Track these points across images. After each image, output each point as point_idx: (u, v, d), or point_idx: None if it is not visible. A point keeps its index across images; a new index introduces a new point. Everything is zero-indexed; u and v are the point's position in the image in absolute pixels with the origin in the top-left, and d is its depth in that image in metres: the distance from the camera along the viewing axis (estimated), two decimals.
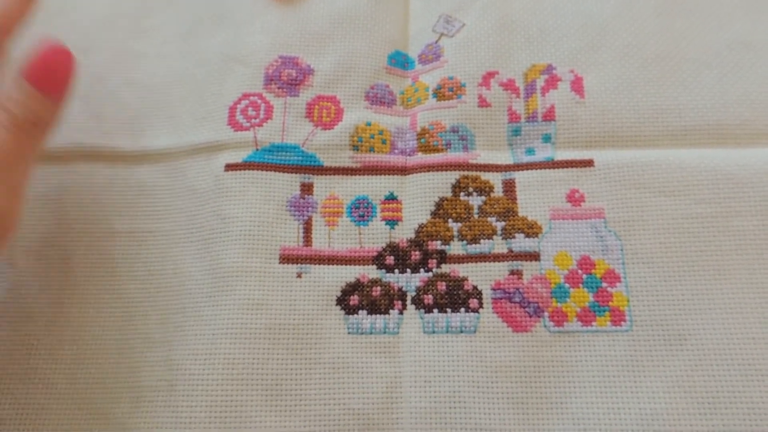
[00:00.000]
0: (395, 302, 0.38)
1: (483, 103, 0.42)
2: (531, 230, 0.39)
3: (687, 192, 0.39)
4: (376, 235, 0.40)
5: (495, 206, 0.40)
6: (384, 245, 0.40)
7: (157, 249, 0.40)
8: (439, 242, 0.39)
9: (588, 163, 0.40)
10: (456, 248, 0.39)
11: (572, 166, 0.40)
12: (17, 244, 0.40)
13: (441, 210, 0.40)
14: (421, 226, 0.40)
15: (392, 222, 0.40)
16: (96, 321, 0.38)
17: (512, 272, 0.38)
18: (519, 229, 0.39)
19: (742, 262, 0.37)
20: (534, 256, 0.39)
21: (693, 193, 0.39)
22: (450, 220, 0.40)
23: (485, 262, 0.39)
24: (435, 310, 0.38)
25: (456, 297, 0.38)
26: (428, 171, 0.41)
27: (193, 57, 0.45)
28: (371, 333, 0.37)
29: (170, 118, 0.43)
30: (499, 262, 0.39)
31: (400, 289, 0.38)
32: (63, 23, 0.47)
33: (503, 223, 0.40)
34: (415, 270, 0.39)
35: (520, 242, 0.39)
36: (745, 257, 0.37)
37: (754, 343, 0.36)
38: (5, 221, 0.31)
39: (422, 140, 0.42)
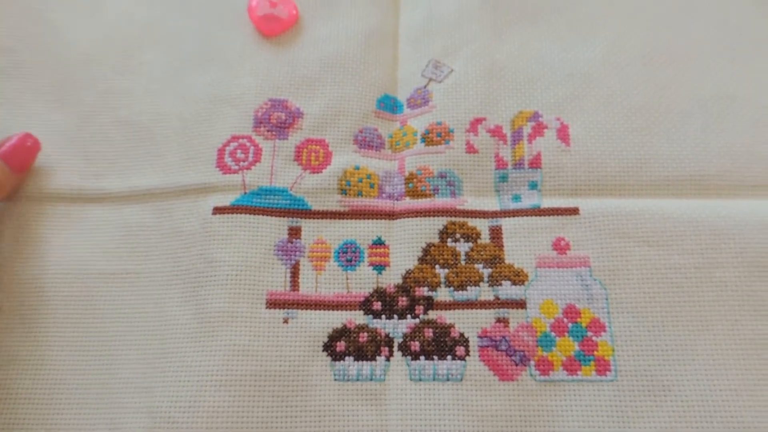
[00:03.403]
0: (382, 348, 0.38)
1: (471, 149, 0.43)
2: (517, 278, 0.40)
3: (670, 242, 0.39)
4: (363, 280, 0.40)
5: (482, 253, 0.40)
6: (371, 290, 0.40)
7: (141, 290, 0.40)
8: (426, 288, 0.39)
9: (574, 211, 0.41)
10: (443, 294, 0.39)
11: (558, 214, 0.41)
12: (4, 287, 0.39)
13: (428, 256, 0.40)
14: (408, 272, 0.40)
15: (380, 267, 0.40)
16: (77, 365, 0.38)
17: (499, 320, 0.39)
18: (505, 276, 0.40)
19: (724, 313, 0.38)
20: (520, 304, 0.39)
21: (676, 244, 0.39)
22: (437, 266, 0.40)
23: (472, 309, 0.39)
24: (422, 357, 0.38)
25: (443, 344, 0.38)
26: (416, 216, 0.41)
27: (182, 96, 0.45)
28: (358, 380, 0.37)
29: (157, 157, 0.43)
30: (485, 309, 0.39)
31: (387, 335, 0.38)
32: (51, 59, 0.46)
33: (490, 270, 0.40)
34: (402, 316, 0.39)
35: (507, 290, 0.39)
36: (726, 308, 0.38)
37: (736, 396, 0.36)
38: None
39: (410, 185, 0.42)
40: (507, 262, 0.40)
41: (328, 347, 0.38)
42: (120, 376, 0.38)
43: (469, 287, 0.39)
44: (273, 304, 0.39)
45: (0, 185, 0.39)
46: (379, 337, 0.38)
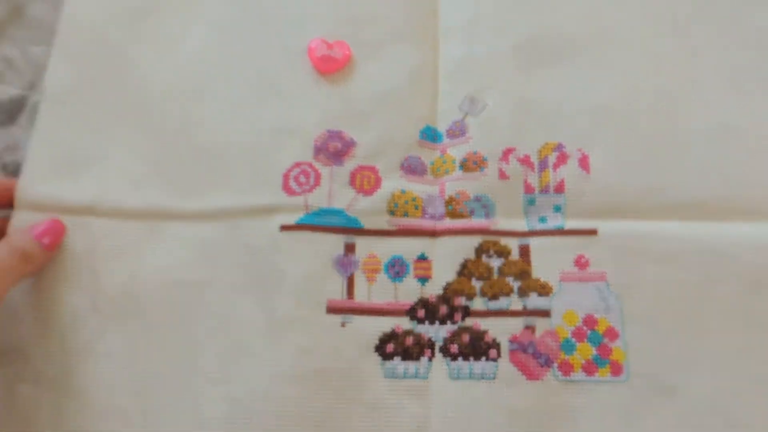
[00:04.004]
0: (425, 350, 0.44)
1: (502, 175, 0.49)
2: (543, 290, 0.45)
3: (676, 261, 0.45)
4: (409, 291, 0.46)
5: (512, 268, 0.46)
6: (416, 300, 0.46)
7: (218, 297, 0.46)
8: (463, 298, 0.45)
9: (593, 232, 0.47)
10: (478, 304, 0.45)
11: (579, 234, 0.47)
12: (101, 292, 0.46)
13: (465, 270, 0.46)
14: (448, 284, 0.46)
15: (423, 279, 0.46)
16: (165, 359, 0.44)
17: (527, 327, 0.44)
18: (533, 288, 0.45)
19: (725, 323, 0.43)
20: (545, 313, 0.45)
21: (681, 262, 0.45)
22: (473, 279, 0.46)
23: (503, 317, 0.45)
24: (460, 359, 0.44)
25: (478, 347, 0.44)
26: (455, 235, 0.47)
27: (250, 126, 0.50)
28: (404, 377, 0.43)
29: (229, 180, 0.49)
30: (515, 317, 0.45)
31: (429, 339, 0.44)
32: (132, 91, 0.52)
33: (519, 283, 0.46)
34: (442, 322, 0.45)
35: (534, 300, 0.45)
36: (726, 320, 0.44)
37: (737, 397, 0.42)
38: None
39: (450, 207, 0.48)
40: (534, 276, 0.46)
41: (379, 348, 0.44)
42: (202, 369, 0.44)
43: (501, 298, 0.45)
44: (332, 310, 0.45)
45: (34, 261, 0.45)
46: (422, 341, 0.44)
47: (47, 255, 0.46)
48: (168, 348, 0.45)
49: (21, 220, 0.47)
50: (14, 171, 0.52)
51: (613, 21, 0.53)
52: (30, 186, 0.49)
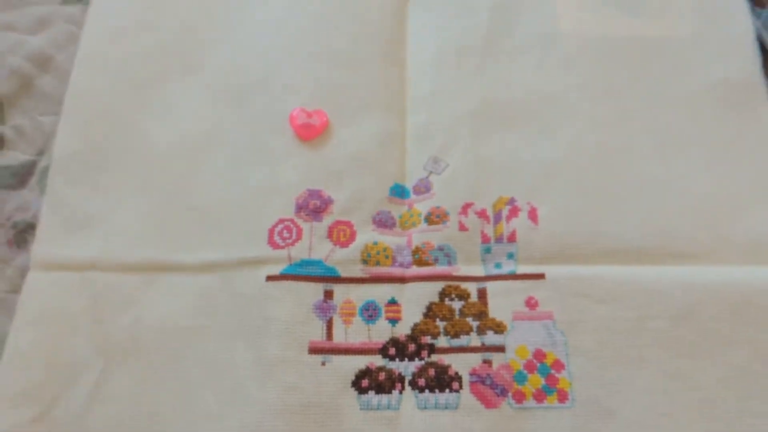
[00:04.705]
0: (396, 384, 0.50)
1: (462, 227, 0.56)
2: (498, 328, 0.52)
3: (615, 300, 0.52)
4: (381, 331, 0.52)
5: (471, 309, 0.53)
6: (387, 339, 0.52)
7: (212, 341, 0.51)
8: (429, 337, 0.52)
9: (541, 276, 0.53)
10: (442, 342, 0.52)
11: (529, 278, 0.53)
12: (106, 339, 0.51)
13: (431, 312, 0.53)
14: (416, 324, 0.52)
15: (394, 321, 0.52)
16: (165, 398, 0.50)
17: (484, 361, 0.51)
18: (489, 327, 0.52)
19: (657, 354, 0.50)
20: (501, 349, 0.51)
21: (619, 301, 0.52)
22: (438, 319, 0.52)
23: (464, 353, 0.51)
24: (426, 391, 0.50)
25: (442, 380, 0.50)
26: (421, 281, 0.54)
27: (239, 186, 0.57)
28: (378, 409, 0.49)
29: (221, 236, 0.55)
30: (474, 353, 0.51)
31: (399, 374, 0.50)
32: (135, 155, 0.59)
33: (478, 323, 0.52)
34: (411, 359, 0.51)
35: (491, 338, 0.51)
36: (659, 350, 0.50)
37: (667, 419, 0.48)
38: None
39: (416, 256, 0.55)
40: (490, 316, 0.52)
41: (356, 384, 0.50)
42: (200, 408, 0.49)
43: (462, 336, 0.52)
44: (314, 350, 0.51)
45: None
46: (394, 376, 0.50)
47: None
48: (169, 389, 0.50)
49: (34, 280, 0.53)
50: (24, 229, 0.58)
51: (557, 89, 0.61)
52: (42, 248, 0.55)
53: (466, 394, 0.49)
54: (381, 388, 0.50)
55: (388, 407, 0.49)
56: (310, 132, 0.59)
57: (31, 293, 0.53)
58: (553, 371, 0.50)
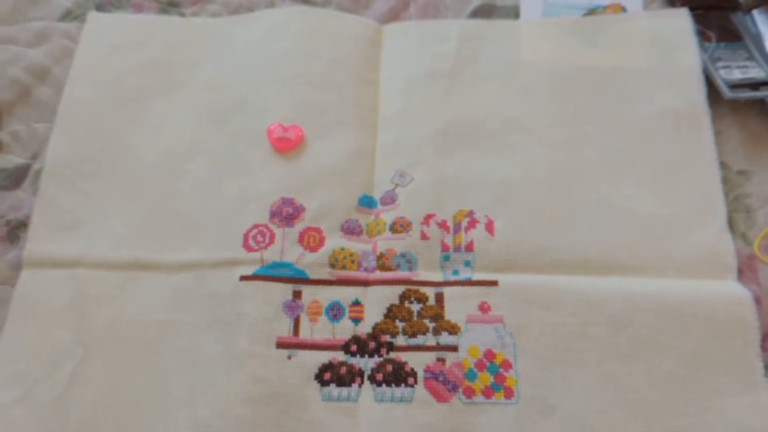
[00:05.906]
0: (356, 378, 0.54)
1: (424, 236, 0.60)
2: (453, 329, 0.56)
3: (559, 307, 0.56)
4: (344, 330, 0.56)
5: (429, 311, 0.57)
6: (350, 337, 0.56)
7: (187, 334, 0.55)
8: (388, 336, 0.56)
9: (494, 283, 0.58)
10: (400, 341, 0.56)
11: (483, 285, 0.58)
12: (86, 330, 0.55)
13: (391, 313, 0.57)
14: (376, 324, 0.56)
15: (356, 320, 0.57)
16: (141, 388, 0.54)
17: (438, 359, 0.55)
18: (444, 328, 0.56)
19: (595, 356, 0.54)
20: (454, 348, 0.55)
21: (563, 308, 0.56)
22: (397, 320, 0.57)
23: (420, 351, 0.55)
24: (384, 385, 0.54)
25: (399, 376, 0.54)
26: (383, 284, 0.58)
27: (218, 195, 0.62)
28: (338, 400, 0.53)
29: (200, 239, 0.60)
30: (429, 351, 0.55)
31: (359, 369, 0.55)
32: (124, 166, 0.63)
33: (434, 324, 0.56)
34: (371, 355, 0.55)
35: (445, 338, 0.56)
36: (597, 353, 0.54)
37: (602, 416, 0.52)
38: None
39: (380, 261, 0.59)
40: (446, 318, 0.57)
41: (318, 377, 0.54)
42: (171, 395, 0.53)
43: (418, 336, 0.56)
44: (281, 345, 0.55)
45: None
46: (354, 370, 0.54)
47: None
48: (144, 377, 0.54)
49: (26, 278, 0.57)
50: (17, 226, 0.62)
51: (516, 113, 0.66)
52: (33, 246, 0.59)
53: (420, 389, 0.54)
54: (342, 381, 0.54)
55: (348, 399, 0.53)
56: (286, 145, 0.63)
57: (23, 289, 0.57)
58: (501, 370, 0.54)
